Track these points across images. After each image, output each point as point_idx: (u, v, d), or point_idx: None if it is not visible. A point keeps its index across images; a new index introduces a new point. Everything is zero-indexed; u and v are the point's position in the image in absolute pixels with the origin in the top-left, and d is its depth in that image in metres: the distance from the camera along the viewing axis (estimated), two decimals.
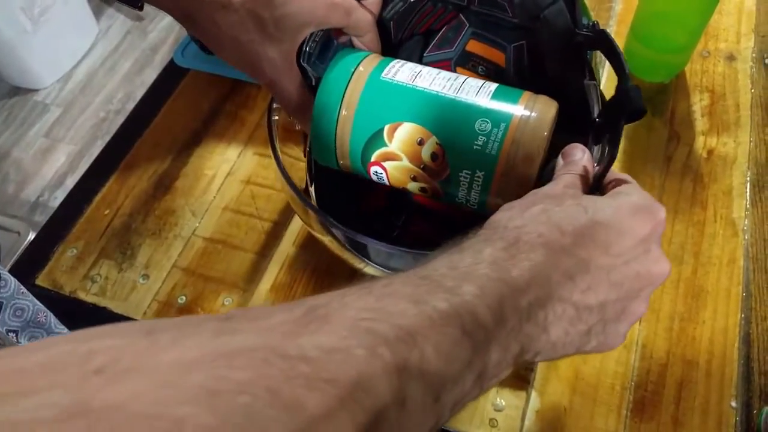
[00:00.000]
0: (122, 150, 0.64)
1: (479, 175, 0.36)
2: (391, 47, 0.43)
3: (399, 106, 0.37)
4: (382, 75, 0.38)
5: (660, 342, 0.49)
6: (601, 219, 0.28)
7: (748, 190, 0.55)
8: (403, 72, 0.38)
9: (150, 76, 1.74)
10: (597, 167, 0.36)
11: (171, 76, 0.70)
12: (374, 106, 0.37)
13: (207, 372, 0.17)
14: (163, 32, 1.85)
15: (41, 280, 0.56)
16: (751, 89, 0.62)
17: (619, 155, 0.59)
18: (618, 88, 0.35)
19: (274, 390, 0.17)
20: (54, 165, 1.59)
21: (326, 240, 0.43)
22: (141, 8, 0.39)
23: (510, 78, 0.43)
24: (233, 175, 0.61)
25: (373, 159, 0.38)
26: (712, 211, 0.54)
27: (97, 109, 1.70)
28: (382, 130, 0.37)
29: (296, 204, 0.42)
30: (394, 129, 0.37)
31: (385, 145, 0.37)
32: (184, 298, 0.54)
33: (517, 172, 0.35)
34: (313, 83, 0.40)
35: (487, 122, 0.35)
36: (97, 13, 1.90)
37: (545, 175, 0.35)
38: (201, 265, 0.56)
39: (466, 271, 0.25)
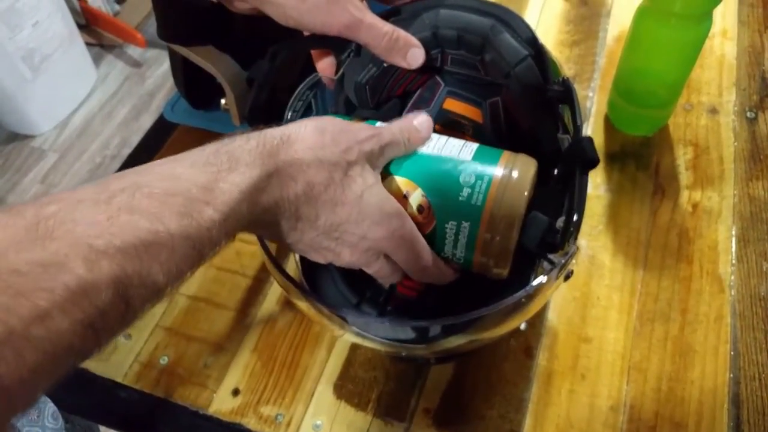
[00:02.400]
0: None
1: (465, 226, 0.36)
2: (369, 111, 0.43)
3: None
4: None
5: (648, 403, 0.48)
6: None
7: (733, 245, 0.55)
8: None
9: (146, 121, 1.76)
10: (561, 219, 0.37)
11: (161, 130, 0.71)
12: None
13: None
14: (160, 78, 1.88)
15: None
16: (734, 142, 0.62)
17: (605, 209, 0.59)
18: (572, 140, 0.35)
19: None
20: None
21: (304, 307, 0.43)
22: None
23: (488, 133, 0.43)
24: None
25: None
26: (698, 267, 0.54)
27: (94, 154, 1.71)
28: None
29: (273, 271, 0.41)
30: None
31: None
32: (166, 358, 0.53)
33: (501, 227, 0.35)
34: None
35: (472, 175, 0.36)
36: (97, 60, 1.93)
37: (527, 228, 0.36)
38: (184, 324, 0.55)
39: (215, 189, 0.28)
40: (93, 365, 0.53)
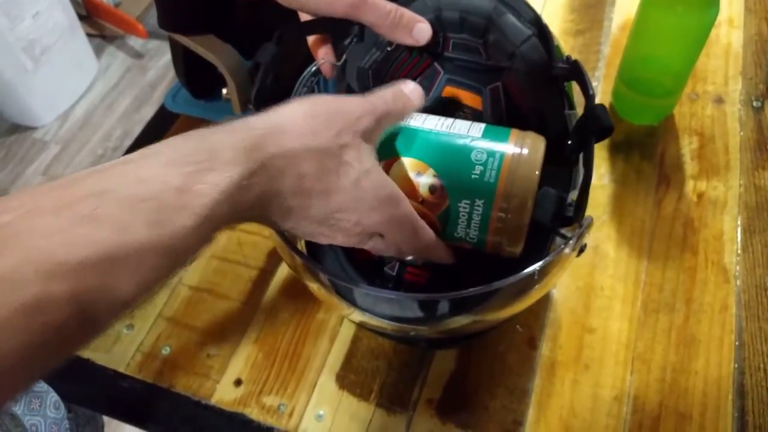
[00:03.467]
0: None
1: (479, 204, 0.36)
2: None
3: (393, 143, 0.38)
4: None
5: (652, 394, 0.47)
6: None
7: (738, 234, 0.55)
8: None
9: (148, 113, 1.75)
10: (573, 193, 0.36)
11: (162, 121, 0.71)
12: None
13: None
14: (161, 69, 1.87)
15: None
16: (740, 132, 0.62)
17: (609, 200, 0.58)
18: (585, 109, 0.35)
19: None
20: None
21: (314, 287, 0.43)
22: None
23: (488, 119, 0.43)
24: None
25: None
26: (703, 257, 0.54)
27: (95, 146, 1.71)
28: None
29: (283, 250, 0.41)
30: (390, 165, 0.37)
31: None
32: (168, 348, 0.53)
33: (514, 203, 0.35)
34: None
35: (483, 153, 0.36)
36: (98, 52, 1.92)
37: (539, 203, 0.36)
38: (186, 314, 0.55)
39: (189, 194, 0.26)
40: (95, 355, 0.53)
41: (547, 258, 0.35)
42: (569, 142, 0.39)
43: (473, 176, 0.36)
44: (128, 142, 1.68)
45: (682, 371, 0.48)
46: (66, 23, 1.71)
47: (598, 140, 0.35)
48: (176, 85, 0.72)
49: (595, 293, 0.53)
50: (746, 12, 0.71)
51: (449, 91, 0.44)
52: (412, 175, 0.36)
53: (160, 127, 0.70)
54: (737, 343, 0.49)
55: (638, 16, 0.57)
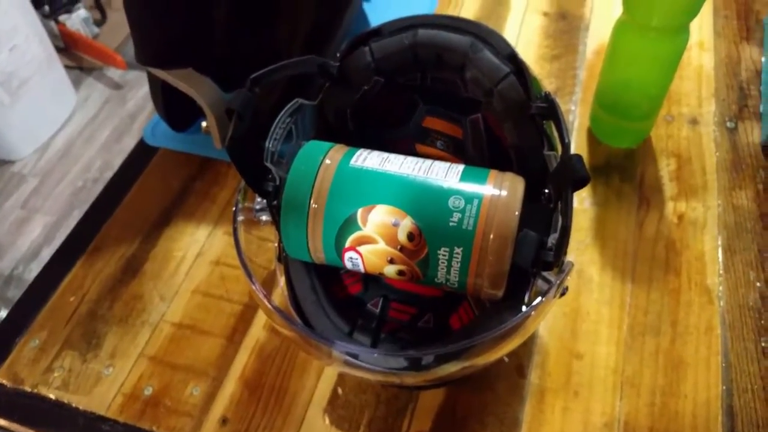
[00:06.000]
0: (90, 231, 0.63)
1: (458, 252, 0.35)
2: (349, 134, 0.43)
3: (371, 189, 0.37)
4: (351, 163, 0.38)
5: (642, 418, 0.47)
6: None
7: (720, 255, 0.55)
8: (371, 159, 0.38)
9: (128, 144, 1.74)
10: (553, 236, 0.36)
11: (141, 154, 0.70)
12: (345, 193, 0.37)
13: None
14: (141, 100, 1.87)
15: (1, 376, 0.54)
16: (716, 152, 0.63)
17: (591, 223, 0.59)
18: (561, 158, 0.35)
19: None
20: (29, 236, 1.57)
21: (289, 335, 0.42)
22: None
23: (469, 150, 0.43)
24: (202, 256, 0.60)
25: (347, 245, 0.38)
26: (686, 278, 0.54)
27: (75, 178, 1.69)
28: (355, 214, 0.37)
29: (264, 306, 0.40)
30: (368, 212, 0.36)
31: (360, 229, 0.37)
32: (150, 388, 0.52)
33: (494, 247, 0.35)
34: (278, 182, 0.39)
35: (461, 199, 0.36)
36: (77, 83, 1.92)
37: (519, 247, 0.35)
38: (169, 352, 0.54)
39: None
40: (75, 398, 0.52)
41: (526, 311, 0.35)
42: (546, 191, 0.38)
43: (451, 224, 0.35)
44: (109, 173, 1.66)
45: (671, 394, 0.48)
46: (43, 56, 1.70)
47: (574, 190, 0.35)
48: (155, 119, 0.71)
49: (582, 318, 0.53)
50: (715, 36, 0.73)
51: (429, 121, 0.44)
52: (390, 221, 0.36)
53: (141, 160, 0.69)
54: (724, 364, 0.49)
55: (611, 42, 0.58)
